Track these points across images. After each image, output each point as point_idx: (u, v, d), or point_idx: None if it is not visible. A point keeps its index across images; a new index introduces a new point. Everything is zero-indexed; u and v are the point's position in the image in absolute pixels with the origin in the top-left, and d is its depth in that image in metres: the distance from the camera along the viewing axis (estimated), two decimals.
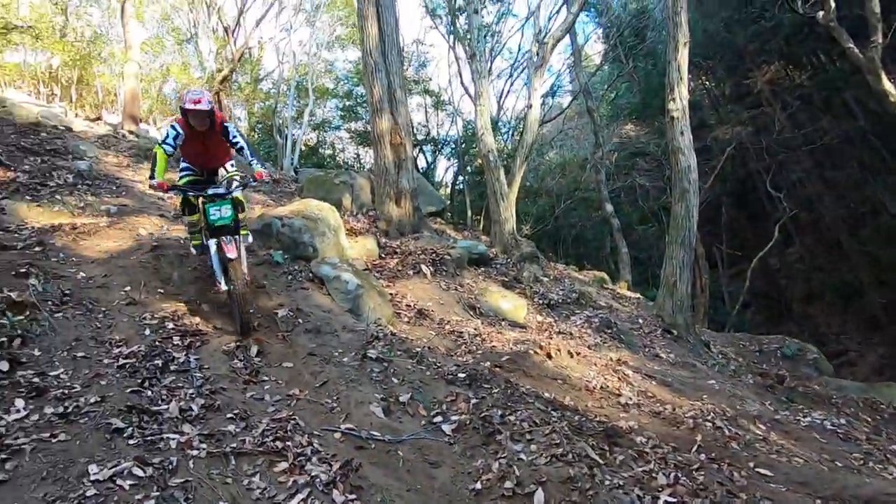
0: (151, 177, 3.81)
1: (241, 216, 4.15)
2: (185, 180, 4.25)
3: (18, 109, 9.81)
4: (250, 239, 4.51)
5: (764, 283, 17.90)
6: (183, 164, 4.34)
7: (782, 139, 15.97)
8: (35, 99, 13.39)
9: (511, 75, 19.96)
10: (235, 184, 4.09)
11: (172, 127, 3.99)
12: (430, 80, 20.88)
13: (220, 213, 3.77)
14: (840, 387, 7.44)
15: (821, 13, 9.91)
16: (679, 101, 7.93)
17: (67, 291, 3.81)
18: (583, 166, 19.26)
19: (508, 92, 22.25)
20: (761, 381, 6.60)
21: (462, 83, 17.61)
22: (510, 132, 20.27)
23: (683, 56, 8.11)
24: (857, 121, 15.06)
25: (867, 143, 14.94)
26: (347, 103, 20.10)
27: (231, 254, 3.67)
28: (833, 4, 9.67)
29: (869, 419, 5.71)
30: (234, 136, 4.15)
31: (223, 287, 3.84)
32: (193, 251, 4.48)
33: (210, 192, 3.90)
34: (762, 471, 3.30)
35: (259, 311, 4.27)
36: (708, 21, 16.83)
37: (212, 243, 3.85)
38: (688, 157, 7.87)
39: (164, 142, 3.93)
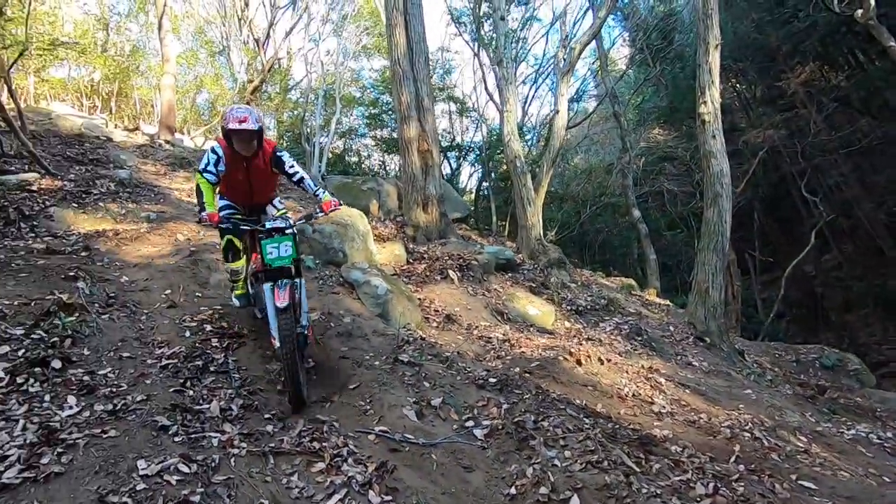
0: (201, 210, 3.28)
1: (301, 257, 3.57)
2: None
3: (63, 121, 10.30)
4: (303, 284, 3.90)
5: (799, 291, 17.30)
6: (222, 202, 3.63)
7: (818, 142, 15.48)
8: (78, 111, 14.01)
9: (536, 81, 19.96)
10: (293, 218, 3.46)
11: (213, 150, 3.38)
12: (455, 86, 21.05)
13: (280, 250, 3.15)
14: (884, 399, 7.13)
15: (859, 11, 9.60)
16: (710, 104, 7.79)
17: (112, 294, 3.97)
18: (609, 171, 19.03)
19: (533, 98, 22.23)
20: (801, 391, 6.38)
21: (486, 89, 17.67)
22: (535, 138, 20.23)
23: (715, 58, 7.97)
24: None
25: None
26: (373, 111, 20.38)
27: (281, 302, 3.01)
28: (873, 2, 9.36)
29: None
30: (292, 166, 3.51)
31: (277, 344, 3.05)
32: (235, 303, 3.86)
33: (268, 225, 3.26)
34: (806, 484, 3.19)
35: None
36: (738, 23, 16.49)
37: (267, 288, 3.16)
38: (720, 161, 7.71)
39: (204, 169, 3.34)
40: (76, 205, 5.98)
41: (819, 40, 14.94)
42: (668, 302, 11.73)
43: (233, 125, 3.21)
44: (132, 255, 4.96)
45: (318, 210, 3.45)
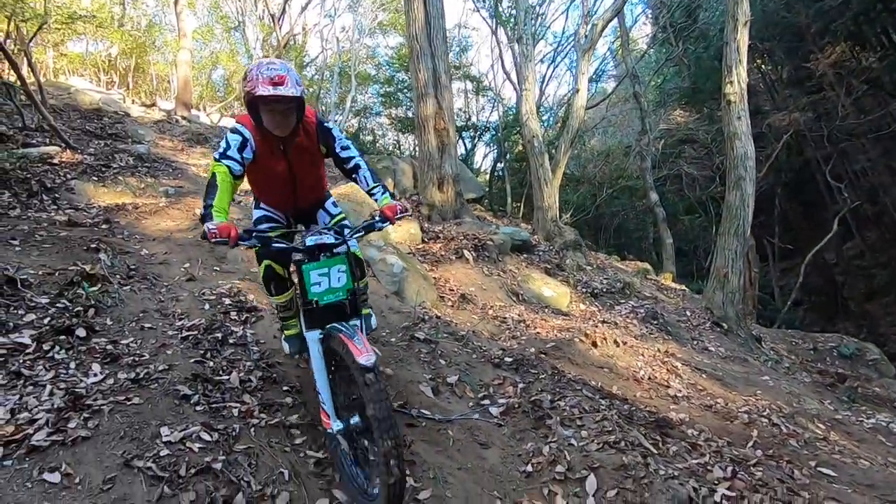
0: (207, 216, 2.08)
1: (360, 283, 2.63)
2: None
3: (82, 96, 10.36)
4: (374, 323, 3.08)
5: (819, 279, 17.02)
6: (258, 213, 2.72)
7: (845, 125, 15.02)
8: (96, 86, 14.09)
9: (554, 60, 19.56)
10: (348, 230, 2.44)
11: (234, 130, 2.34)
12: (471, 65, 20.74)
13: (330, 279, 2.21)
14: None
15: None
16: (737, 84, 7.56)
17: (133, 266, 4.02)
18: (627, 153, 18.72)
19: (551, 77, 21.83)
20: (819, 379, 6.31)
21: (503, 68, 17.42)
22: (552, 118, 19.91)
23: (743, 36, 7.70)
24: None
25: None
26: (388, 89, 20.21)
27: (365, 357, 1.97)
28: None
29: None
30: (346, 147, 2.54)
31: (335, 425, 2.21)
32: (286, 349, 2.89)
33: (310, 240, 2.26)
34: (825, 470, 3.15)
35: None
36: (767, 0, 15.90)
37: (313, 338, 2.26)
38: (745, 144, 7.51)
39: (224, 154, 2.26)
40: (96, 178, 6.04)
41: (852, 19, 14.38)
42: (683, 287, 11.61)
43: (264, 89, 2.14)
44: (151, 228, 5.00)
45: (378, 218, 2.41)
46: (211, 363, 2.99)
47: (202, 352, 3.06)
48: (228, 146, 2.30)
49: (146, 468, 2.04)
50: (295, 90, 2.18)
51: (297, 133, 2.40)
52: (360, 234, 2.39)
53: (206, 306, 3.71)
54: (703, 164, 17.72)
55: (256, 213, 2.74)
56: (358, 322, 2.30)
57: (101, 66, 15.79)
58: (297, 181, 2.56)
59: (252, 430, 2.51)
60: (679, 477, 2.67)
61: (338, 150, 2.53)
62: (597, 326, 5.52)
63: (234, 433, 2.41)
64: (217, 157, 2.29)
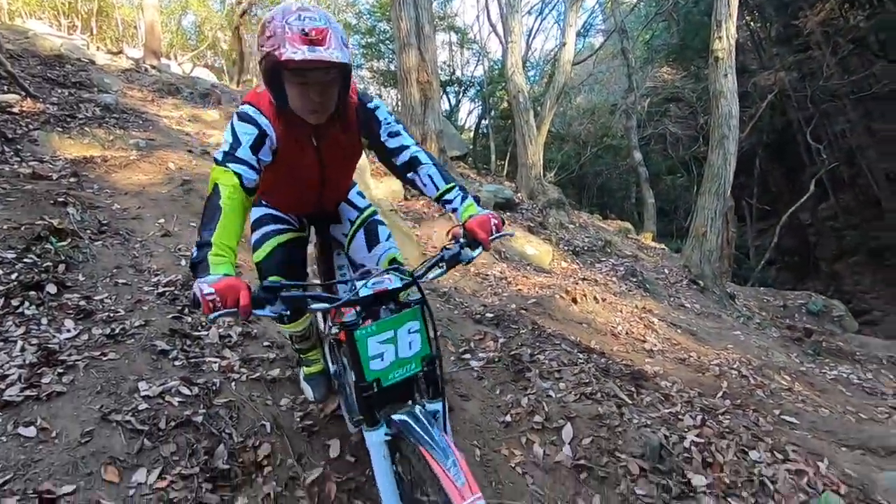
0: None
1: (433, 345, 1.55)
2: (272, 245, 1.85)
3: (41, 41, 9.71)
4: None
5: (793, 239, 17.46)
6: (258, 210, 1.94)
7: (829, 86, 15.03)
8: (56, 30, 13.21)
9: (542, 12, 18.96)
10: (423, 268, 1.55)
11: (245, 117, 1.55)
12: (456, 15, 19.99)
13: (397, 346, 1.42)
14: (864, 343, 7.38)
15: None
16: (726, 39, 7.43)
17: (104, 221, 3.88)
18: (612, 112, 18.53)
19: (538, 31, 21.20)
20: (788, 334, 6.57)
21: (489, 20, 16.81)
22: (538, 74, 19.48)
23: None
24: None
25: None
26: (369, 40, 19.43)
27: (464, 498, 1.15)
28: None
29: (892, 376, 5.68)
30: (394, 133, 1.73)
31: None
32: (309, 394, 2.33)
33: (366, 287, 1.43)
34: (788, 418, 3.32)
35: None
36: None
37: (375, 441, 1.44)
38: (730, 102, 7.47)
39: (230, 155, 1.48)
40: (61, 129, 5.73)
41: None
42: (663, 246, 11.82)
43: (293, 50, 1.37)
44: (122, 182, 4.82)
45: (464, 240, 1.56)
46: (189, 319, 2.95)
47: (179, 307, 3.01)
48: (237, 142, 1.50)
49: (125, 422, 2.03)
50: (341, 53, 1.41)
51: (334, 118, 1.62)
52: (442, 272, 1.53)
53: (183, 262, 3.63)
54: (688, 124, 17.69)
55: (256, 212, 1.93)
56: (439, 408, 1.47)
57: (61, 8, 14.76)
58: (325, 182, 1.81)
59: (233, 384, 2.50)
60: (651, 425, 2.78)
61: (384, 137, 1.72)
62: (577, 283, 5.60)
63: (214, 387, 2.40)
64: (220, 158, 1.48)
